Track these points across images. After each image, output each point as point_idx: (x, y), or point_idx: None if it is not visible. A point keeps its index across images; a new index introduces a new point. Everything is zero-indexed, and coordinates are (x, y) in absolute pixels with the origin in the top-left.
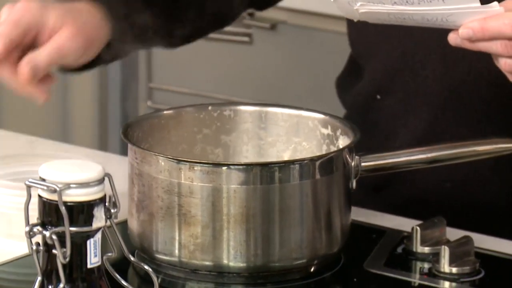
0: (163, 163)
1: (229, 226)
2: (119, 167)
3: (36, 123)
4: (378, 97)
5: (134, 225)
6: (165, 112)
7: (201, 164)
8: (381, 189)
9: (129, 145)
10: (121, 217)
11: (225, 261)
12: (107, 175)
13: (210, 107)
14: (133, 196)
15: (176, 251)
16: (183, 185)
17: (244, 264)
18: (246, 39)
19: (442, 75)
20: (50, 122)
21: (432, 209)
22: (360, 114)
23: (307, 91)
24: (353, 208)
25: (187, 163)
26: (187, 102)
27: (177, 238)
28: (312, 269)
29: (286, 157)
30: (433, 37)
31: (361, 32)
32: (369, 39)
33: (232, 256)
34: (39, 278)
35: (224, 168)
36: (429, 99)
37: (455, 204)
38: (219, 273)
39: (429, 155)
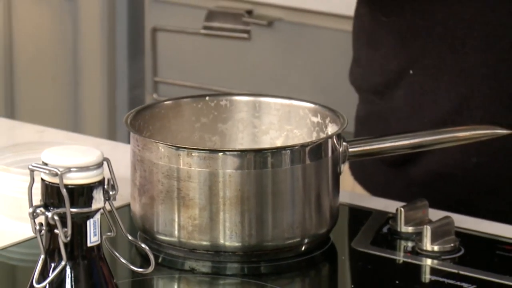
0: (163, 150)
1: (225, 208)
2: (125, 154)
3: (47, 115)
4: (411, 72)
5: (136, 208)
6: (165, 102)
7: (198, 151)
8: (406, 163)
9: (131, 133)
10: (124, 201)
11: (221, 241)
12: (106, 159)
13: (207, 98)
14: (135, 181)
15: (176, 232)
16: (182, 170)
17: (239, 244)
18: (244, 35)
19: (482, 52)
20: (61, 113)
21: (457, 185)
22: (383, 94)
23: (302, 86)
24: (342, 191)
25: (185, 150)
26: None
27: (176, 219)
28: (303, 248)
29: (278, 143)
30: (475, 15)
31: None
32: (410, 17)
33: (228, 236)
34: (42, 256)
35: (220, 154)
36: (465, 75)
37: (480, 179)
38: (216, 252)
39: (412, 140)
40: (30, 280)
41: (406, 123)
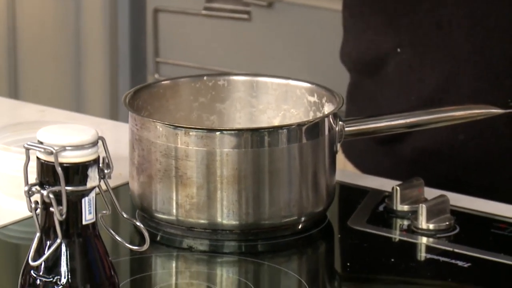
0: (160, 129)
1: (222, 187)
2: (126, 134)
3: (50, 95)
4: (399, 50)
5: (135, 187)
6: (163, 82)
7: (196, 130)
8: (394, 141)
9: (130, 113)
10: (124, 179)
11: (218, 219)
12: (101, 138)
13: (205, 78)
14: (134, 160)
15: (174, 210)
16: (180, 149)
17: (237, 222)
18: (245, 16)
19: (468, 29)
20: (64, 94)
21: (444, 162)
22: (372, 72)
23: (302, 66)
24: (339, 170)
25: (183, 129)
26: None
27: (174, 198)
28: (299, 226)
29: (276, 123)
30: None
31: None
32: None
33: (225, 215)
34: (38, 234)
35: (217, 133)
36: (452, 53)
37: (467, 156)
38: (213, 230)
39: (408, 120)
40: (26, 258)
41: (394, 101)
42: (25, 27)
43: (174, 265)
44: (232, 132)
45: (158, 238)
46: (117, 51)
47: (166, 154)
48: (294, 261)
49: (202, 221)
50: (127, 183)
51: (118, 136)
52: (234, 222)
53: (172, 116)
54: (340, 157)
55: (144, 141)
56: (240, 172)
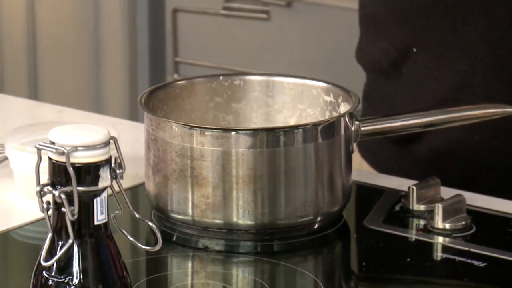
0: (176, 129)
1: (238, 187)
2: (143, 134)
3: (70, 95)
4: (414, 50)
5: (150, 187)
6: (178, 82)
7: (211, 130)
8: (410, 141)
9: (145, 113)
10: (141, 179)
11: (234, 219)
12: (113, 138)
13: (221, 77)
14: (149, 160)
15: (189, 210)
16: (195, 149)
17: (252, 222)
18: (264, 16)
19: (483, 29)
20: (83, 94)
21: (460, 162)
22: (387, 73)
23: (321, 65)
24: (356, 170)
25: (198, 129)
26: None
27: (190, 198)
28: (315, 226)
29: (292, 123)
30: None
31: None
32: None
33: (241, 215)
34: (50, 235)
35: (233, 133)
36: (467, 52)
37: (483, 157)
38: (229, 230)
39: (424, 119)
40: (38, 258)
41: (410, 102)
42: (44, 28)
43: (190, 265)
44: (248, 132)
45: (174, 238)
46: (136, 51)
47: (181, 154)
48: (310, 261)
49: (218, 221)
50: (142, 183)
51: (136, 136)
52: (249, 222)
53: (188, 116)
54: (357, 157)
55: (159, 141)
56: (256, 172)
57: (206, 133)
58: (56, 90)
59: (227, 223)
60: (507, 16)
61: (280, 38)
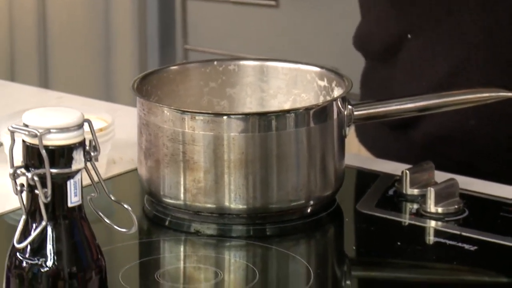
0: (167, 114)
1: (229, 171)
2: None
3: (80, 83)
4: (409, 36)
5: (143, 172)
6: (171, 67)
7: (203, 114)
8: (406, 126)
9: (137, 98)
10: (135, 164)
11: (226, 204)
12: (87, 120)
13: (215, 62)
14: (141, 145)
15: (181, 195)
16: (186, 133)
17: (244, 206)
18: (273, 3)
19: (479, 16)
20: (93, 81)
21: (456, 147)
22: (384, 58)
23: (330, 52)
24: (352, 155)
25: (190, 114)
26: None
27: (181, 182)
28: (308, 210)
29: (286, 107)
30: None
31: None
32: None
33: (232, 199)
34: (24, 217)
35: (224, 117)
36: (462, 39)
37: (478, 142)
38: (221, 214)
39: (418, 104)
40: (12, 240)
41: (407, 87)
42: (55, 16)
43: (181, 249)
44: (239, 116)
45: (166, 222)
46: (146, 39)
47: (173, 139)
48: (302, 245)
49: (209, 205)
50: (135, 169)
51: (133, 122)
52: (241, 206)
53: (182, 101)
54: (355, 142)
55: (151, 126)
56: (247, 156)
57: (197, 118)
58: (66, 78)
59: (219, 207)
60: (503, 2)
61: (289, 26)
